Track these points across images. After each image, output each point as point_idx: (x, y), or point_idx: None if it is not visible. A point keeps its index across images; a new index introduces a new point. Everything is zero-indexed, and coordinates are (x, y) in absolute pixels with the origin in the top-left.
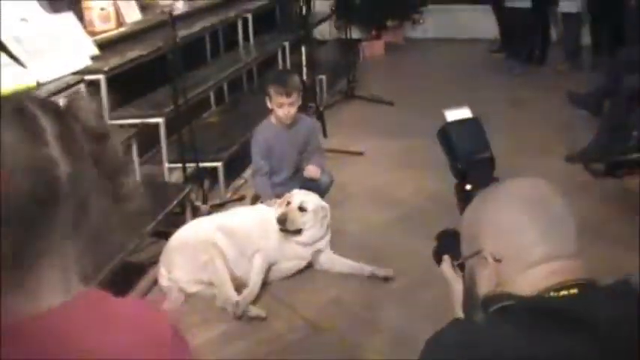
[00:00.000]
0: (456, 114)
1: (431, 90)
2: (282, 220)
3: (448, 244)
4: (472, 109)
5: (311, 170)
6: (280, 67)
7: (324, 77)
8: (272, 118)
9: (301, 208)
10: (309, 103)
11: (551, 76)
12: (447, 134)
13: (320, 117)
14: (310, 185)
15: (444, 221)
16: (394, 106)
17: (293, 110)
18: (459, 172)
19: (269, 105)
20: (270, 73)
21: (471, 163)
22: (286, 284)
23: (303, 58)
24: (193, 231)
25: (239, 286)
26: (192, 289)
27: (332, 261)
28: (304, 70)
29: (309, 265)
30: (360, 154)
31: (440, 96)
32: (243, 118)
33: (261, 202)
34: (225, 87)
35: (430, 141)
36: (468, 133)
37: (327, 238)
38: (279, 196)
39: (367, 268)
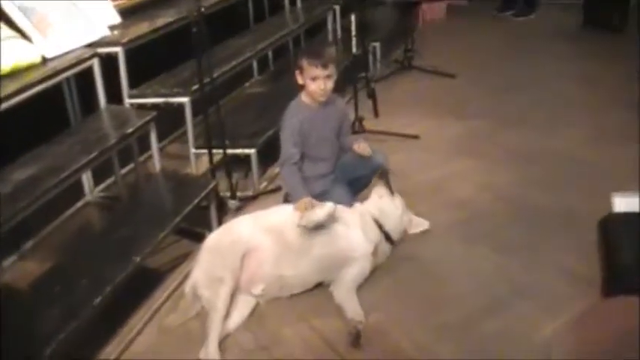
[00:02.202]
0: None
1: (500, 61)
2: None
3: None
4: (545, 86)
5: (362, 146)
6: (330, 32)
7: (377, 44)
8: (303, 97)
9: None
10: (360, 73)
11: (630, 45)
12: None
13: (371, 92)
14: (361, 166)
15: (515, 229)
16: (456, 79)
17: (330, 84)
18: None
19: (300, 80)
20: (305, 47)
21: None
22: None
23: (354, 22)
24: (228, 229)
25: (283, 286)
26: (205, 293)
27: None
28: (354, 36)
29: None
30: (416, 137)
31: (510, 68)
32: (286, 91)
33: (289, 201)
34: (270, 54)
35: (498, 123)
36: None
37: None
38: (316, 197)
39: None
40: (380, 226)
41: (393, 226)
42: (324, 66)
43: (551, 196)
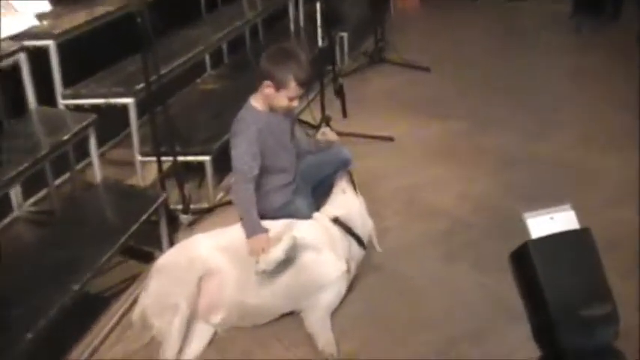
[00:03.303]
0: (545, 221)
1: (481, 54)
2: None
3: None
4: (531, 83)
5: (327, 132)
6: (292, 21)
7: (345, 35)
8: (254, 102)
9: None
10: (326, 67)
11: (626, 35)
12: (529, 262)
13: (339, 88)
14: (327, 164)
15: (497, 243)
16: (431, 73)
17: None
18: (545, 336)
19: (268, 90)
20: (277, 51)
21: (571, 325)
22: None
23: (319, 11)
24: (183, 248)
25: (245, 315)
26: (156, 322)
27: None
28: (319, 26)
29: None
30: (390, 139)
31: (493, 62)
32: (244, 88)
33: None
34: (225, 47)
35: (479, 123)
36: (568, 263)
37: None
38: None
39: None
40: (349, 230)
41: (360, 226)
42: (309, 86)
43: (537, 206)
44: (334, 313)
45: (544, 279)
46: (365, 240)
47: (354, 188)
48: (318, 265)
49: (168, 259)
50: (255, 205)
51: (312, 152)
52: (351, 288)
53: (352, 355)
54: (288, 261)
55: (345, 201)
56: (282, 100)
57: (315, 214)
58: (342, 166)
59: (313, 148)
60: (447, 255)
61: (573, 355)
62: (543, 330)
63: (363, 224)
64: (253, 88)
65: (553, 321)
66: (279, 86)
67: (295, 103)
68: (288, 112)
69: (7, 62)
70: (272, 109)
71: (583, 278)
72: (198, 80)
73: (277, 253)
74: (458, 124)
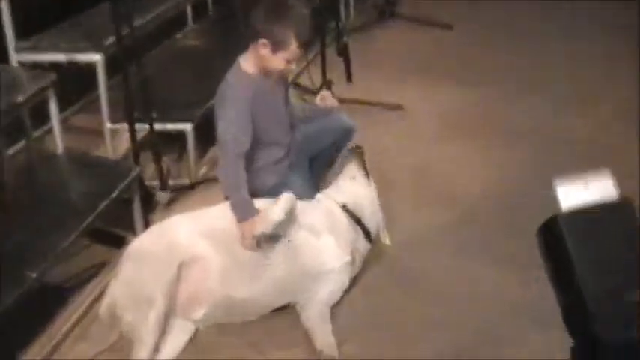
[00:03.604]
0: (579, 190)
1: (512, 10)
2: None
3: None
4: (569, 43)
5: (326, 96)
6: None
7: None
8: (245, 65)
9: None
10: (328, 23)
11: None
12: (559, 239)
13: (343, 48)
14: (327, 133)
15: (515, 234)
16: (454, 31)
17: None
18: (580, 321)
19: (263, 51)
20: (275, 5)
21: (607, 311)
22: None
23: None
24: (160, 232)
25: (231, 310)
26: (128, 316)
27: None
28: None
29: None
30: (399, 107)
31: (526, 20)
32: (231, 44)
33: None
34: None
35: (505, 92)
36: (604, 240)
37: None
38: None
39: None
40: (357, 220)
41: (370, 216)
42: (308, 45)
43: None
44: (334, 312)
45: (577, 257)
46: (373, 233)
47: (366, 174)
48: (318, 252)
49: (143, 243)
50: (245, 184)
51: (309, 120)
52: (352, 283)
53: (354, 358)
54: (286, 223)
55: (354, 189)
56: (278, 62)
57: (319, 196)
58: (344, 136)
59: (310, 115)
60: (460, 247)
61: (608, 345)
62: (575, 315)
63: (373, 215)
64: (242, 46)
65: (586, 306)
66: (277, 46)
67: (293, 66)
68: (282, 76)
69: None
70: (265, 73)
71: (622, 257)
72: (179, 35)
73: (277, 213)
74: (479, 92)
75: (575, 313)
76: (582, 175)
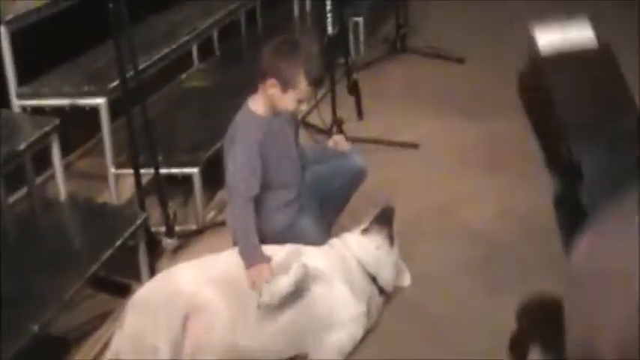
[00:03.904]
0: (556, 34)
1: (522, 41)
2: None
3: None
4: None
5: (338, 140)
6: (296, 4)
7: (360, 20)
8: (254, 106)
9: None
10: (337, 59)
11: None
12: (542, 78)
13: (353, 85)
14: (339, 174)
15: (548, 270)
16: (466, 64)
17: None
18: (567, 163)
19: (272, 90)
20: (284, 44)
21: (592, 144)
22: None
23: None
24: (165, 280)
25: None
26: None
27: None
28: (329, 9)
29: None
30: (414, 146)
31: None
32: (238, 85)
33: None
34: (216, 35)
35: (524, 124)
36: (586, 80)
37: None
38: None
39: None
40: (372, 278)
41: (388, 278)
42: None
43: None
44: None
45: (560, 95)
46: (389, 291)
47: (391, 240)
48: (330, 301)
49: (148, 292)
50: (254, 228)
51: (320, 161)
52: (371, 327)
53: None
54: (296, 293)
55: (376, 254)
56: (289, 102)
57: (333, 240)
58: (356, 178)
59: (321, 156)
60: (487, 286)
61: (593, 177)
62: (556, 156)
63: (390, 275)
64: (249, 86)
65: (570, 140)
66: (286, 86)
67: (304, 106)
68: (292, 115)
69: None
70: (275, 113)
71: (603, 94)
72: (184, 76)
73: (286, 283)
74: (497, 125)
75: (557, 153)
76: (560, 21)
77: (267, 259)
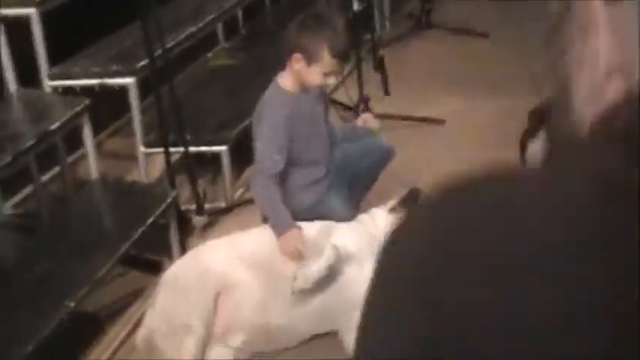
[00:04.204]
0: None
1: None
2: None
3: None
4: None
5: (367, 118)
6: None
7: None
8: (282, 82)
9: None
10: (363, 36)
11: None
12: None
13: (379, 61)
14: (368, 153)
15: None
16: (490, 39)
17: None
18: None
19: (297, 64)
20: (308, 18)
21: None
22: None
23: None
24: (196, 258)
25: (270, 338)
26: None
27: None
28: None
29: None
30: (440, 122)
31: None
32: (264, 62)
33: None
34: (240, 14)
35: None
36: None
37: None
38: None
39: None
40: None
41: None
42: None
43: None
44: None
45: None
46: None
47: None
48: (361, 282)
49: (179, 270)
50: (280, 200)
51: (349, 140)
52: None
53: None
54: (329, 277)
55: None
56: (315, 76)
57: (361, 216)
58: (384, 157)
59: (350, 134)
60: None
61: None
62: None
63: None
64: (275, 64)
65: None
66: (311, 59)
67: (331, 80)
68: (321, 92)
69: None
70: (304, 89)
71: None
72: (209, 55)
73: (319, 268)
74: (525, 103)
75: None
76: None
77: (297, 226)
